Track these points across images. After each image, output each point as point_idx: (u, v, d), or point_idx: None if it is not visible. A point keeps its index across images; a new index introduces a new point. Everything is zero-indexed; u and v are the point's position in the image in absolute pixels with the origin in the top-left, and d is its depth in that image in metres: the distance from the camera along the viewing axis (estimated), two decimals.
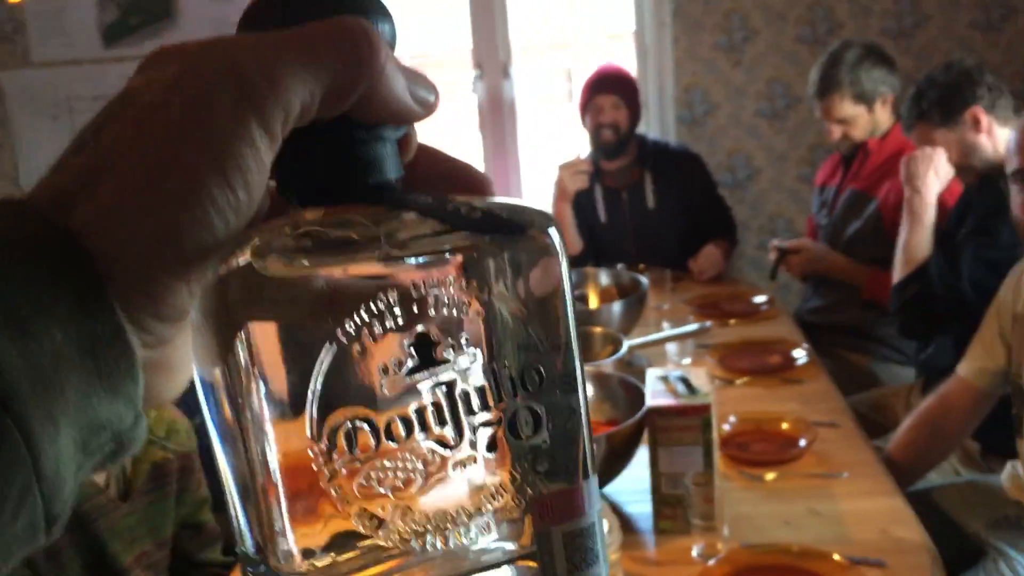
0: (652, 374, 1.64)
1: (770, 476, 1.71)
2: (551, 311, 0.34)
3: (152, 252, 0.28)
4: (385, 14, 0.34)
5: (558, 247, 0.34)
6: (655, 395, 1.56)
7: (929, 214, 2.21)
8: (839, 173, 2.77)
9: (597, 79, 2.97)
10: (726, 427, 1.87)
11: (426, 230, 0.32)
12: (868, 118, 2.61)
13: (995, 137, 2.11)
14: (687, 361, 2.27)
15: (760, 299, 2.67)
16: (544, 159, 3.89)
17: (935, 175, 2.18)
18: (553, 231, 0.34)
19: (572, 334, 0.34)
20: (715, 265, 2.88)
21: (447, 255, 0.32)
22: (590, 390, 1.83)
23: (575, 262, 2.97)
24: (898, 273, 2.23)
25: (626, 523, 1.62)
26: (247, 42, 0.30)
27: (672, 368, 2.03)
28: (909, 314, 2.23)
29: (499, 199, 0.36)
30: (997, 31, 3.36)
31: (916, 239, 2.21)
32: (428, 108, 0.33)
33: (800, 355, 2.24)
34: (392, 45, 0.34)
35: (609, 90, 2.92)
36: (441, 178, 0.36)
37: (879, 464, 1.73)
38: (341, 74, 0.30)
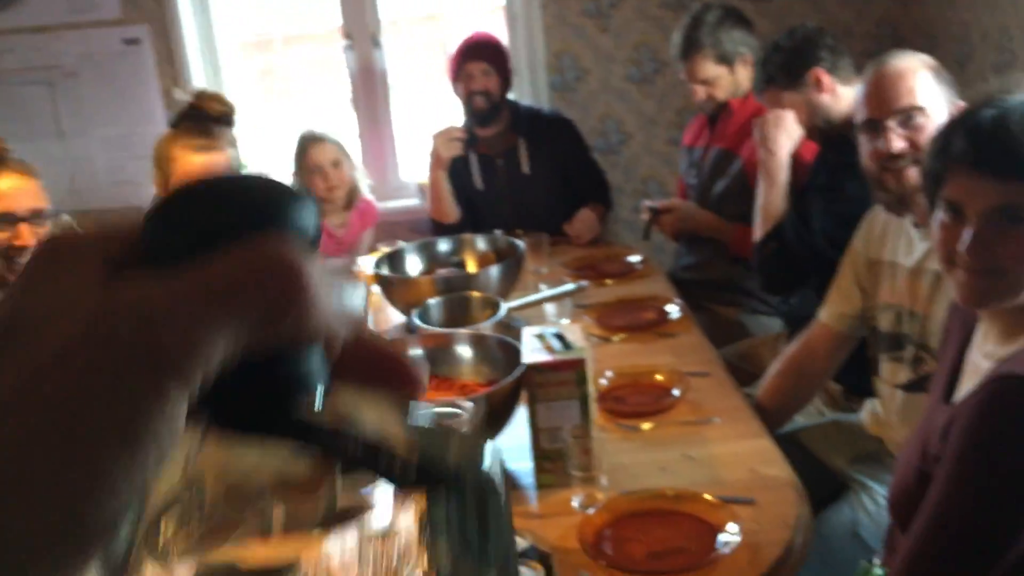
0: (528, 332, 1.66)
1: (646, 426, 1.76)
2: (491, 549, 0.32)
3: (55, 539, 0.26)
4: (301, 206, 0.30)
5: (496, 483, 0.32)
6: (531, 352, 1.58)
7: (782, 174, 2.30)
8: (705, 133, 2.85)
9: (467, 47, 2.97)
10: (603, 382, 1.92)
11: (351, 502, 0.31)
12: (730, 78, 2.70)
13: (839, 96, 2.22)
14: (565, 321, 2.31)
15: (635, 259, 2.73)
16: (420, 130, 3.86)
17: (786, 136, 2.28)
18: (491, 465, 0.32)
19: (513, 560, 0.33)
20: (591, 228, 2.93)
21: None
22: (468, 352, 1.85)
23: (453, 229, 2.98)
24: (758, 231, 2.33)
25: (508, 480, 1.64)
26: (162, 303, 0.27)
27: (549, 326, 2.07)
28: (770, 270, 2.33)
29: (428, 412, 0.34)
30: None
31: (772, 197, 2.30)
32: (356, 319, 0.31)
33: (673, 310, 2.31)
34: (316, 238, 0.31)
35: (479, 57, 2.92)
36: (370, 373, 0.33)
37: (748, 409, 1.80)
38: (268, 318, 0.28)
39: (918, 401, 1.71)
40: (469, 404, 1.39)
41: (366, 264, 2.53)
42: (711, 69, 2.69)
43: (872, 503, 1.77)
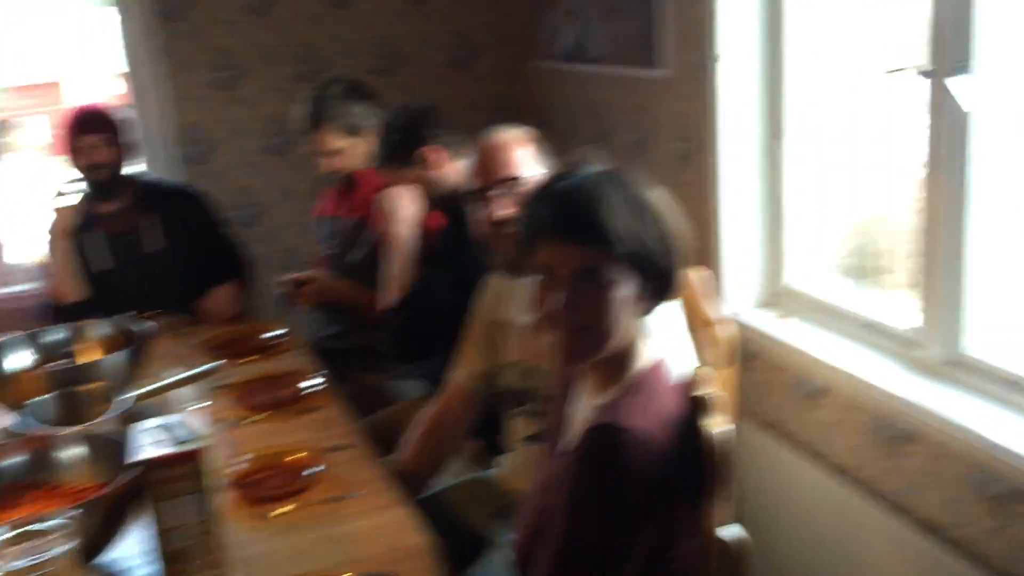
0: (144, 425, 1.54)
1: (284, 510, 1.70)
2: None
3: None
4: None
5: None
6: (147, 447, 1.47)
7: (408, 245, 2.38)
8: (337, 204, 2.87)
9: (79, 119, 2.77)
10: (239, 466, 1.83)
11: None
12: (357, 150, 2.75)
13: (450, 169, 2.34)
14: (202, 405, 2.19)
15: (275, 333, 2.66)
16: (33, 208, 3.53)
17: (407, 210, 2.38)
18: None
19: None
20: (227, 306, 2.83)
21: None
22: (78, 453, 1.68)
23: (77, 311, 2.72)
24: (388, 301, 2.38)
25: None
26: None
27: (170, 416, 1.94)
28: (401, 338, 2.38)
29: None
30: (467, 68, 3.72)
31: (400, 268, 2.37)
32: None
33: (314, 384, 2.27)
34: None
35: (91, 129, 2.74)
36: None
37: (388, 479, 1.80)
38: None
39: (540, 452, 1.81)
40: (70, 514, 1.25)
41: None
42: (338, 141, 2.72)
43: (510, 558, 1.83)
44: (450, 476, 2.10)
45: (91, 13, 4.02)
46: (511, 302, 1.88)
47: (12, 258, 3.48)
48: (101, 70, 4.07)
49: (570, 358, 1.32)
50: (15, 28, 4.18)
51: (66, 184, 2.72)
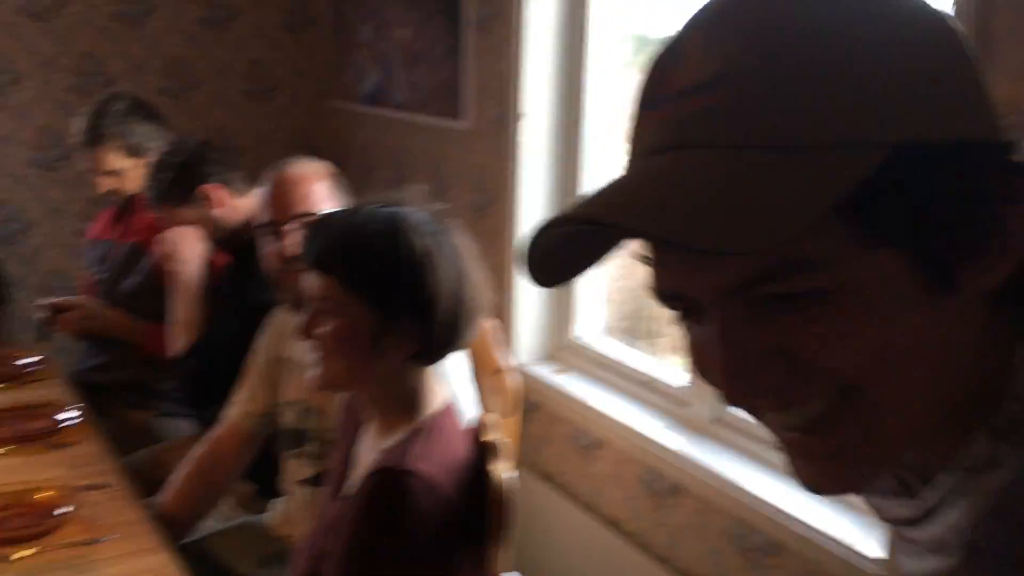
0: None
1: (25, 553, 1.53)
2: None
3: None
4: None
5: None
6: None
7: (191, 287, 2.26)
8: (113, 226, 2.68)
9: None
10: None
11: None
12: (138, 171, 2.58)
13: (233, 206, 2.26)
14: None
15: (29, 360, 2.44)
16: None
17: (191, 251, 2.26)
18: None
19: None
20: None
21: None
22: None
23: None
24: (176, 345, 2.23)
25: None
26: None
27: None
28: (195, 384, 2.26)
29: None
30: (265, 101, 3.62)
31: (187, 312, 2.24)
32: None
33: (70, 417, 2.09)
34: None
35: None
36: None
37: (147, 522, 1.67)
38: None
39: (319, 495, 1.75)
40: None
41: None
42: (118, 161, 2.55)
43: None
44: (218, 520, 1.99)
45: None
46: (296, 339, 1.82)
47: None
48: None
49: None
50: None
51: None
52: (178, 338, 2.24)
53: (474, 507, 1.27)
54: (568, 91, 2.44)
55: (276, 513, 1.91)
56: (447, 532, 1.20)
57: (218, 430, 1.89)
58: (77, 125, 2.58)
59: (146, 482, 1.94)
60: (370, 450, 1.34)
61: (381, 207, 1.31)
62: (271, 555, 1.83)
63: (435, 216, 1.34)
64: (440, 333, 1.28)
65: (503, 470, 1.34)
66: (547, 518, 2.44)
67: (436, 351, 1.30)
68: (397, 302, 1.26)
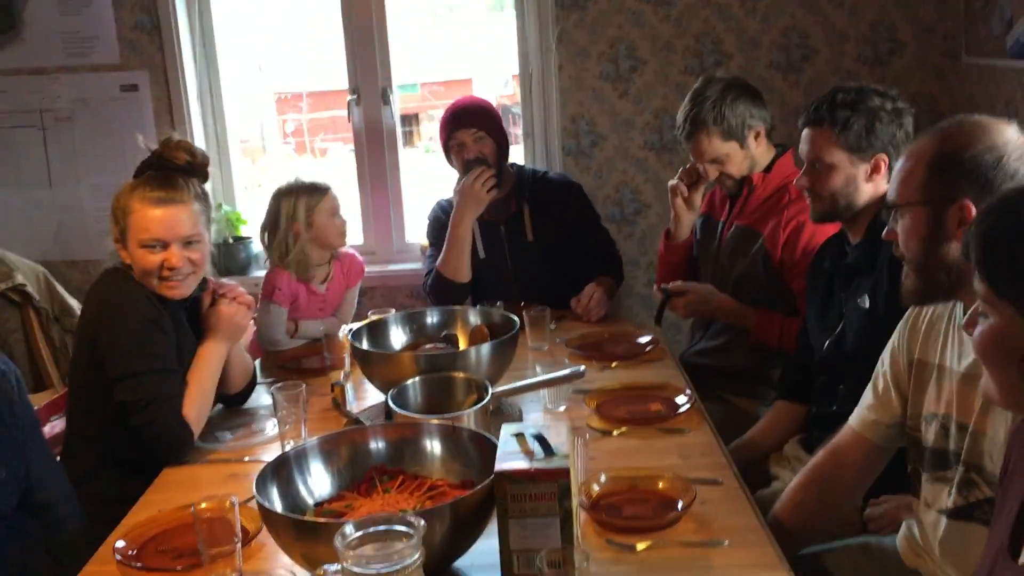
0: (506, 430, 1.41)
1: (642, 545, 1.50)
2: None
3: None
4: None
5: None
6: (506, 456, 1.33)
7: None
8: (724, 208, 2.62)
9: (453, 114, 2.78)
10: (596, 487, 1.66)
11: None
12: (742, 154, 2.47)
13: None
14: (562, 408, 2.07)
15: (644, 339, 2.49)
16: (426, 191, 3.68)
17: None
18: None
19: None
20: (599, 304, 2.69)
21: None
22: (439, 446, 1.60)
23: (458, 293, 2.75)
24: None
25: None
26: None
27: (532, 423, 1.82)
28: (800, 378, 2.11)
29: None
30: (884, 65, 3.29)
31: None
32: None
33: (682, 402, 2.05)
34: None
35: (468, 124, 2.73)
36: None
37: (763, 530, 1.54)
38: None
39: (964, 531, 1.44)
40: (420, 522, 1.14)
41: (348, 331, 2.30)
42: (719, 147, 2.46)
43: None
44: (832, 537, 1.78)
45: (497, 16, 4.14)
46: (942, 340, 1.53)
47: (408, 237, 3.64)
48: (504, 68, 4.19)
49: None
50: (433, 29, 4.44)
51: (481, 171, 2.71)
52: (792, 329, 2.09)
53: None
54: None
55: (905, 539, 1.64)
56: None
57: (841, 437, 1.68)
58: (678, 117, 2.55)
59: (749, 474, 1.82)
60: None
61: None
62: None
63: None
64: None
65: None
66: None
67: None
68: None
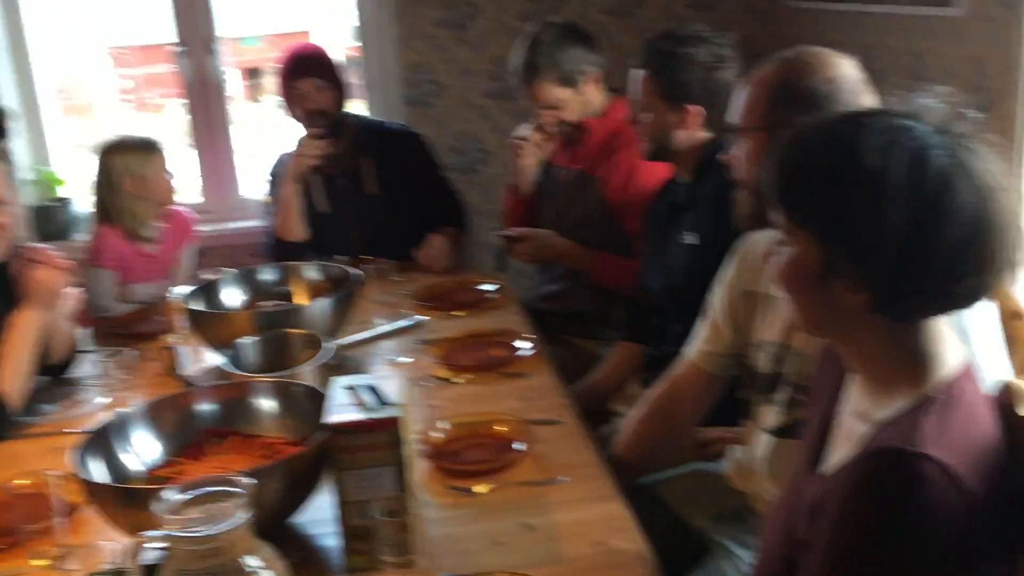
0: (337, 384, 1.40)
1: (482, 488, 1.52)
2: None
3: None
4: None
5: None
6: (337, 409, 1.32)
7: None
8: (562, 153, 2.64)
9: (294, 63, 2.68)
10: (436, 435, 1.66)
11: None
12: (577, 99, 2.49)
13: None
14: (406, 359, 2.06)
15: (488, 287, 2.50)
16: (261, 146, 3.56)
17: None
18: None
19: None
20: (443, 255, 2.68)
21: None
22: (272, 404, 1.57)
23: (296, 250, 2.68)
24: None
25: (317, 561, 1.37)
26: None
27: (369, 374, 1.81)
28: (642, 317, 2.16)
29: None
30: (711, 9, 3.38)
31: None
32: None
33: (524, 347, 2.08)
34: None
35: (309, 73, 2.65)
36: None
37: (600, 464, 1.58)
38: None
39: (787, 448, 1.52)
40: (248, 480, 1.11)
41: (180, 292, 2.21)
42: (555, 92, 2.47)
43: (734, 570, 1.56)
44: (670, 467, 1.85)
45: None
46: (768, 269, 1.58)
47: (246, 193, 3.51)
48: (342, 20, 4.08)
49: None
50: None
51: (312, 128, 2.64)
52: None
53: (1005, 509, 0.96)
54: None
55: (734, 463, 1.72)
56: (968, 539, 0.92)
57: (676, 369, 1.73)
58: (510, 63, 2.54)
59: (590, 414, 1.86)
60: (856, 417, 1.08)
61: (847, 118, 1.02)
62: (729, 511, 1.66)
63: (953, 127, 1.02)
64: (941, 281, 0.96)
65: None
66: None
67: (929, 302, 0.99)
68: (849, 238, 0.97)
